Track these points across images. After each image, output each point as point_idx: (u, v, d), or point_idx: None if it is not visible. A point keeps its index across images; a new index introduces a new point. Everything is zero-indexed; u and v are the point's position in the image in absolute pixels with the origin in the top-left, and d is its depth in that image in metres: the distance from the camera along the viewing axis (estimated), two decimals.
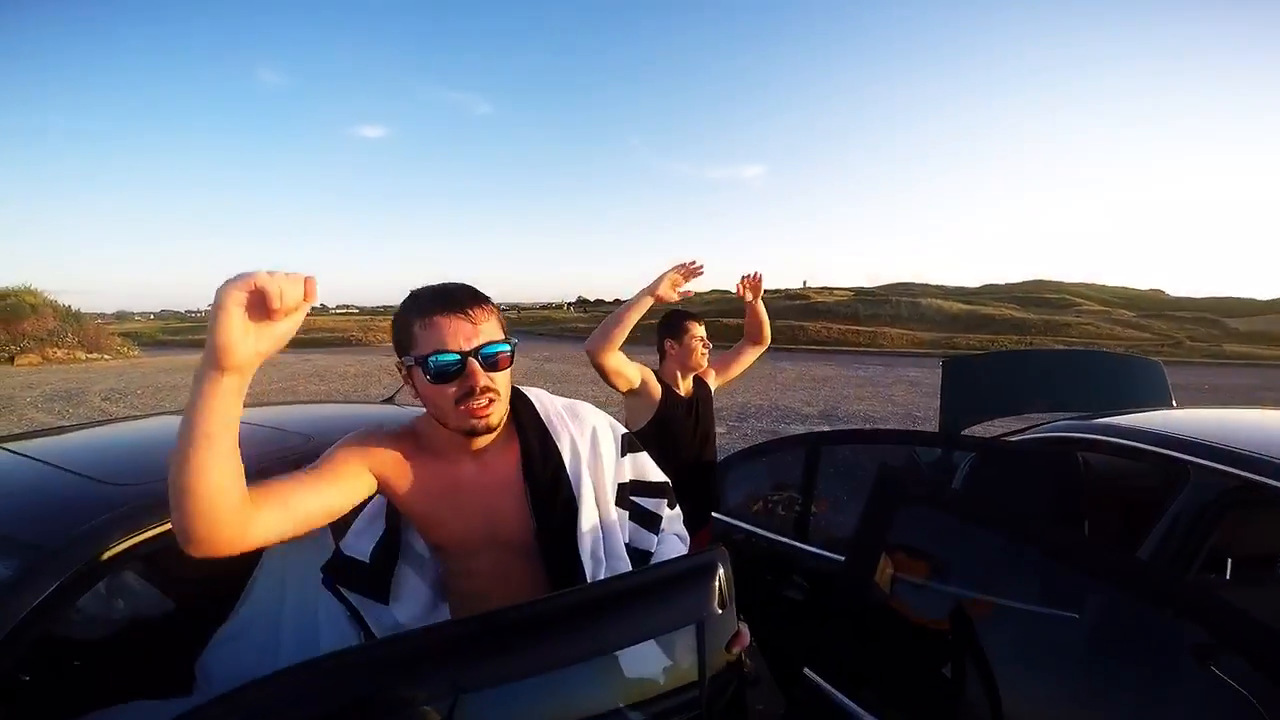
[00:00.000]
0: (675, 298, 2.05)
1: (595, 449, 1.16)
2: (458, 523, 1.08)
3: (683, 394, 2.32)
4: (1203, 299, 37.77)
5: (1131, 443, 1.69)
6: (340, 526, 1.11)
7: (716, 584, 0.88)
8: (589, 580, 1.09)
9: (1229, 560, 1.63)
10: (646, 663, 0.87)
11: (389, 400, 2.53)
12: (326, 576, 1.17)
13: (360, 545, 1.16)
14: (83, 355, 17.92)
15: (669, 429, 2.23)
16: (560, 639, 0.80)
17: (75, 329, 18.74)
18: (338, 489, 0.97)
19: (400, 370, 1.04)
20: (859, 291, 39.00)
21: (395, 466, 1.05)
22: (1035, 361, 3.09)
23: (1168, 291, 44.01)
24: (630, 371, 2.15)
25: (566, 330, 30.35)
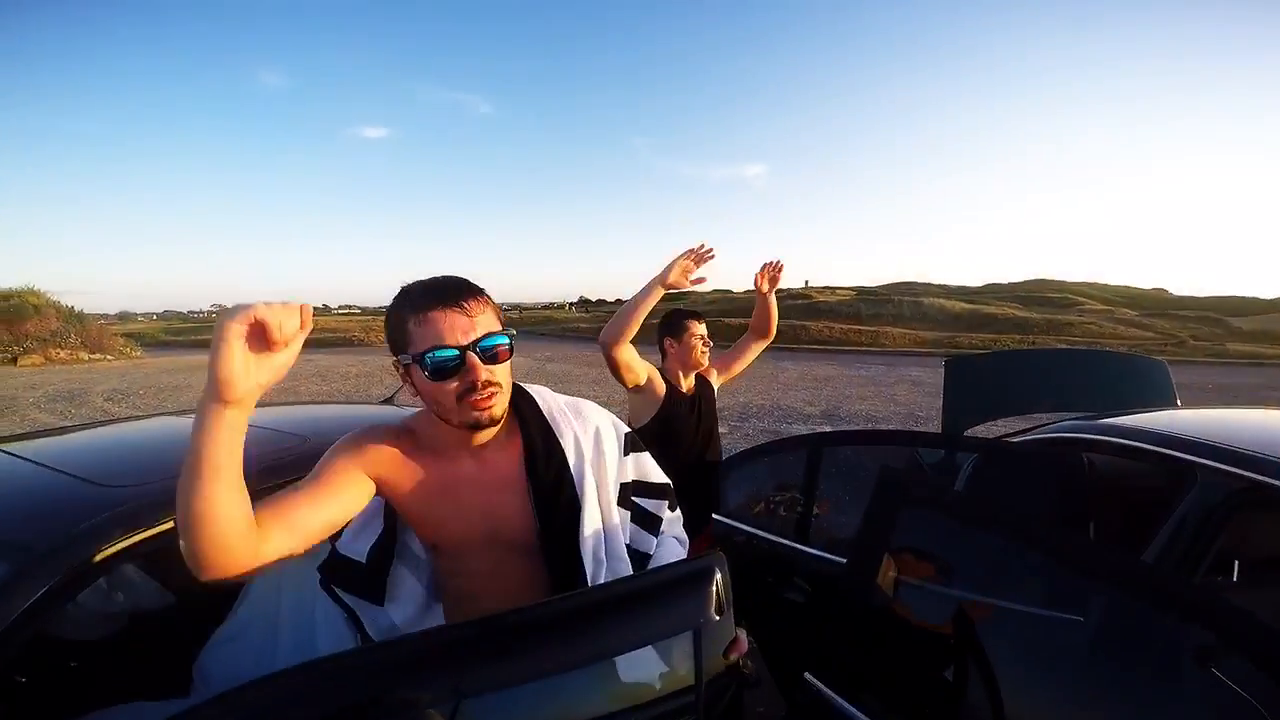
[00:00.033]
0: (688, 284, 2.04)
1: (599, 447, 1.15)
2: (457, 521, 1.06)
3: (685, 392, 2.33)
4: (1206, 298, 37.73)
5: (1136, 443, 1.67)
6: None
7: (714, 589, 0.87)
8: (589, 581, 1.07)
9: (1236, 563, 1.61)
10: (643, 668, 0.86)
11: (388, 400, 2.52)
12: (322, 577, 1.16)
13: (357, 545, 1.15)
14: (86, 356, 17.96)
15: (672, 426, 2.25)
16: (558, 643, 0.79)
17: (78, 330, 18.78)
18: (337, 501, 0.96)
19: (398, 369, 1.02)
20: (861, 291, 38.99)
21: (392, 466, 1.03)
22: (1039, 361, 3.07)
23: (1171, 290, 43.96)
24: (639, 368, 2.16)
25: (569, 330, 30.26)
